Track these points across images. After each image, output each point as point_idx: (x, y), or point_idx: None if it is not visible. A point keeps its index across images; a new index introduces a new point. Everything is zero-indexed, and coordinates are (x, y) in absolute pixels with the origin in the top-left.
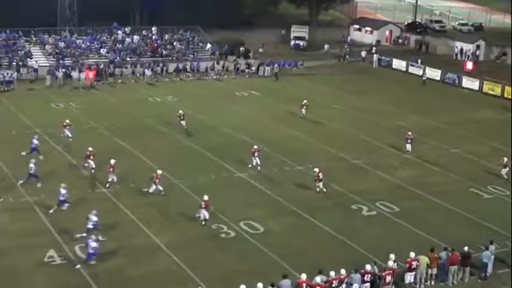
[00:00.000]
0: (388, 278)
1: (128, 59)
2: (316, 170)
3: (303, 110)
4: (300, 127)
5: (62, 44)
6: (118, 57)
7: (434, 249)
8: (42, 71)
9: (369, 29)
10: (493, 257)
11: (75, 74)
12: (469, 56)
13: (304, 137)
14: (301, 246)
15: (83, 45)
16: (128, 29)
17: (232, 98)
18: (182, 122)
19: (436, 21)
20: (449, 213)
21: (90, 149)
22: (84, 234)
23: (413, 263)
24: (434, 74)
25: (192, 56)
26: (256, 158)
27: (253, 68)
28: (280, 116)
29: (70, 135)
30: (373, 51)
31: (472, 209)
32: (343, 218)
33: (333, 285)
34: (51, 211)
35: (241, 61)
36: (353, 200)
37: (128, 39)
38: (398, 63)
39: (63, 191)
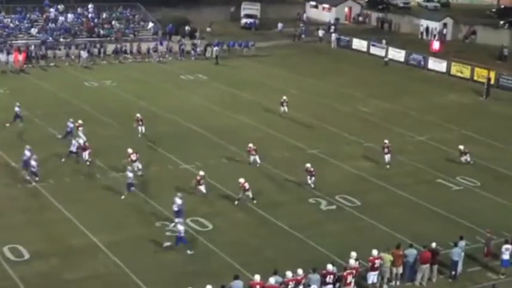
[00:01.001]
0: (349, 278)
1: (62, 39)
2: (308, 165)
3: (284, 108)
4: (252, 114)
5: None
6: (50, 38)
7: (400, 245)
8: None
9: (326, 5)
10: (463, 254)
11: (2, 57)
12: (435, 35)
13: (256, 124)
14: (254, 244)
15: (11, 24)
16: (61, 7)
17: (177, 82)
18: (140, 127)
19: None
20: (415, 206)
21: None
22: (178, 219)
23: (376, 261)
24: (397, 54)
25: (132, 36)
26: (256, 157)
27: (199, 49)
28: (229, 102)
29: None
30: (331, 30)
31: (440, 202)
32: (300, 213)
33: (290, 287)
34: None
35: (187, 41)
36: (310, 194)
37: (61, 18)
38: (359, 43)
39: (130, 174)
